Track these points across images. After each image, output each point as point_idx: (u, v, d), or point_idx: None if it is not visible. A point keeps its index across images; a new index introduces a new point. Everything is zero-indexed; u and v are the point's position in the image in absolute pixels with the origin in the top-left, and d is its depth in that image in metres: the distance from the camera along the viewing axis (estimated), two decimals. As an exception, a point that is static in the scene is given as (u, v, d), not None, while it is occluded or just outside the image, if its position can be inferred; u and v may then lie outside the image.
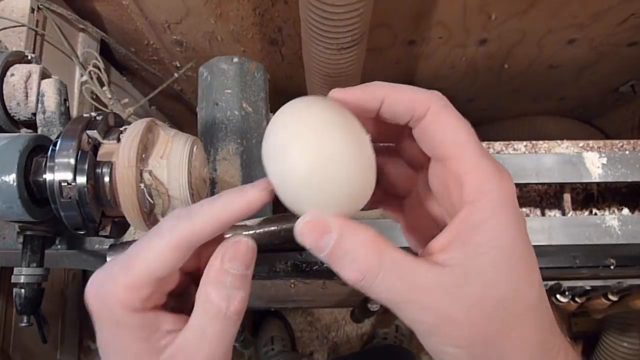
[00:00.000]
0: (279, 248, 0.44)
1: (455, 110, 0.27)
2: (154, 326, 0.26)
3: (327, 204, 0.25)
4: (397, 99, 0.27)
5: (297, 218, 0.26)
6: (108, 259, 0.44)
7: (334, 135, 0.25)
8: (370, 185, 0.26)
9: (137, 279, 0.25)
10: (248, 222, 0.42)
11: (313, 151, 0.24)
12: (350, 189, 0.25)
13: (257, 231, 0.42)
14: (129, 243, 0.46)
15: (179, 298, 0.29)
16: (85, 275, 1.39)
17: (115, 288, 0.25)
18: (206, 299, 0.26)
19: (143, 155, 0.36)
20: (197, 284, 0.28)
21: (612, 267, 0.66)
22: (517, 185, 0.62)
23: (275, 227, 0.44)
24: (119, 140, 0.38)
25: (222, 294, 0.26)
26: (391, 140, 0.31)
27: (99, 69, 0.78)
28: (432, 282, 0.23)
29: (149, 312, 0.26)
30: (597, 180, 0.55)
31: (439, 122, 0.26)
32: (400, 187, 0.32)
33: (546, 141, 0.59)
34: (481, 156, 0.25)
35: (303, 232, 0.25)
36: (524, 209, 0.63)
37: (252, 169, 0.49)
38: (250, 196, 0.26)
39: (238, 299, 0.26)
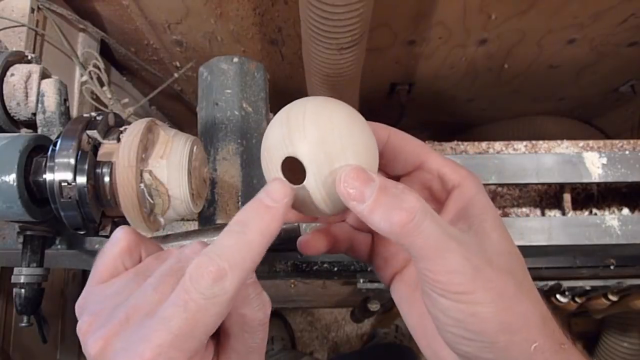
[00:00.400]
0: (279, 248, 0.44)
1: None
2: None
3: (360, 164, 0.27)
4: None
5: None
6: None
7: (351, 110, 0.28)
8: (377, 159, 0.28)
9: (199, 346, 0.24)
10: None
11: (345, 120, 0.27)
12: (371, 151, 0.28)
13: (257, 231, 0.41)
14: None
15: None
16: (85, 275, 1.39)
17: None
18: (242, 319, 0.26)
19: (143, 155, 0.36)
20: None
21: (612, 267, 0.66)
22: (517, 185, 0.62)
23: (275, 227, 0.44)
24: (119, 140, 0.37)
25: (255, 307, 0.26)
26: None
27: (99, 69, 0.78)
28: (462, 237, 0.25)
29: None
30: (597, 180, 0.55)
31: (404, 138, 0.31)
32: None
33: (546, 141, 0.59)
34: (444, 156, 0.30)
35: (347, 180, 0.25)
36: (524, 209, 0.63)
37: (252, 169, 0.49)
38: (279, 213, 0.25)
39: (267, 301, 0.27)
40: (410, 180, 0.31)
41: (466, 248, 0.25)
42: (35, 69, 0.44)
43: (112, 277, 0.27)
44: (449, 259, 0.24)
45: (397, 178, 0.32)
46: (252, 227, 0.24)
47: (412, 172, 0.31)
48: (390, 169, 0.32)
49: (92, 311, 0.26)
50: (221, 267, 0.23)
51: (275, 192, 0.25)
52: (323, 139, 0.26)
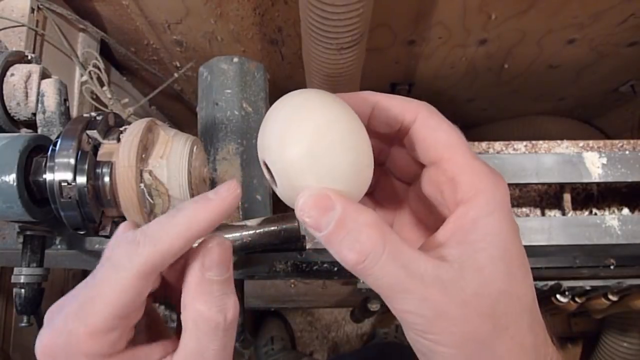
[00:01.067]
0: (279, 248, 0.44)
1: (444, 117, 0.27)
2: None
3: (327, 185, 0.24)
4: (388, 104, 0.27)
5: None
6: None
7: (331, 118, 0.24)
8: (368, 171, 0.25)
9: (101, 323, 0.23)
10: (248, 222, 0.42)
11: (312, 132, 0.23)
12: (349, 170, 0.24)
13: (257, 231, 0.42)
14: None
15: (148, 320, 0.28)
16: (85, 275, 1.39)
17: (77, 341, 0.22)
18: (198, 316, 0.24)
19: (143, 155, 0.36)
20: (162, 299, 0.27)
21: (612, 267, 0.66)
22: (517, 185, 0.62)
23: (275, 227, 0.44)
24: (119, 140, 0.38)
25: (215, 306, 0.24)
26: (381, 155, 0.31)
27: (99, 69, 0.78)
28: (431, 274, 0.23)
29: (125, 352, 0.24)
30: (597, 180, 0.55)
31: (429, 127, 0.26)
32: (391, 203, 0.32)
33: (546, 141, 0.59)
34: (473, 158, 0.25)
35: (304, 208, 0.23)
36: (524, 209, 0.63)
37: (252, 169, 0.49)
38: (214, 205, 0.25)
39: (232, 305, 0.25)
40: (429, 175, 0.28)
41: (430, 287, 0.22)
42: (35, 69, 0.44)
43: None
44: (406, 300, 0.22)
45: (422, 166, 0.29)
46: (183, 211, 0.25)
47: (432, 166, 0.27)
48: (415, 155, 0.28)
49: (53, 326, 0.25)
50: (136, 239, 0.24)
51: (221, 188, 0.26)
52: (283, 155, 0.23)
